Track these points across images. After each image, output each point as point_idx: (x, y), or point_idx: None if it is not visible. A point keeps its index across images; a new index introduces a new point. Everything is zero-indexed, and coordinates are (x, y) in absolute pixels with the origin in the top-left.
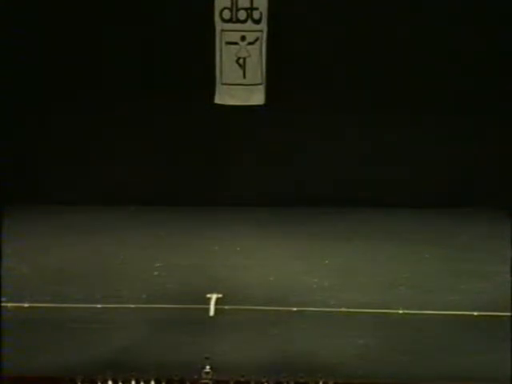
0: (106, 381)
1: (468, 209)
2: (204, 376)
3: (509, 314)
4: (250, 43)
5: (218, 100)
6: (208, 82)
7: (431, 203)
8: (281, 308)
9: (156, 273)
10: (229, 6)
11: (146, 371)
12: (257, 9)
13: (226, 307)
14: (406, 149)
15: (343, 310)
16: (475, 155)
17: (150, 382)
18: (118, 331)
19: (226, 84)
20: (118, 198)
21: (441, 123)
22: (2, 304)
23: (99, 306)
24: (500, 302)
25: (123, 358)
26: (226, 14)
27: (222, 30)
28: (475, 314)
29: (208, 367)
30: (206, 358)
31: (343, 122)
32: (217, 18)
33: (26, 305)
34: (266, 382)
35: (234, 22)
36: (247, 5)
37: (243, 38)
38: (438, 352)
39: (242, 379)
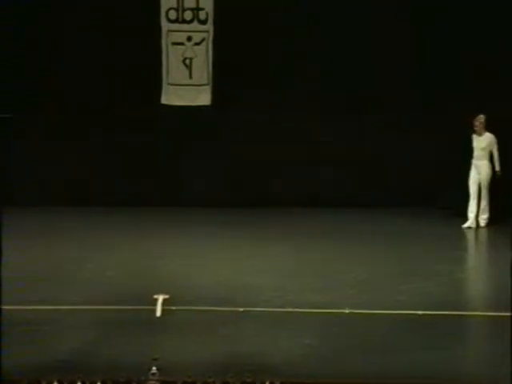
0: (52, 383)
1: (429, 209)
2: (151, 377)
3: (454, 312)
4: (196, 44)
5: (164, 100)
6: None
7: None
8: (228, 308)
9: (109, 273)
10: (175, 6)
11: (93, 373)
12: (203, 9)
13: (174, 308)
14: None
15: (290, 310)
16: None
17: (96, 383)
18: (65, 333)
19: (172, 84)
20: (65, 199)
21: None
22: None
23: (49, 307)
24: (448, 301)
25: (70, 360)
26: (172, 15)
27: (169, 31)
28: (419, 313)
29: (155, 368)
30: (154, 360)
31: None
32: (163, 19)
33: None
34: (213, 382)
35: (180, 23)
36: (193, 5)
37: (189, 39)
38: (384, 351)
39: (189, 380)
